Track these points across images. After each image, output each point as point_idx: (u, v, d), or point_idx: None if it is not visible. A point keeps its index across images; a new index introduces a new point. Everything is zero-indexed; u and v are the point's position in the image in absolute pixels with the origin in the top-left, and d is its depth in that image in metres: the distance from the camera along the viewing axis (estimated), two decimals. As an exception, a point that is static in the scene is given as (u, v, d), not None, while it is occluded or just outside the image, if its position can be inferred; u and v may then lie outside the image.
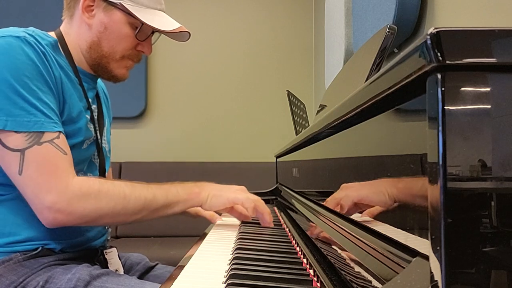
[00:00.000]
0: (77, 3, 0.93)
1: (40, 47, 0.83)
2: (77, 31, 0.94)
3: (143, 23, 0.92)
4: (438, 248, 0.25)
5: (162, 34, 0.99)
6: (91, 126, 0.94)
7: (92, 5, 0.92)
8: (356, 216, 0.47)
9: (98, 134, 0.97)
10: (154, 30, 0.96)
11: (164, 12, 0.98)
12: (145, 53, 0.98)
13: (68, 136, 0.86)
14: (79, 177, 0.82)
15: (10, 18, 2.59)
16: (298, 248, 0.75)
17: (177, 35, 0.99)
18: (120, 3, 0.90)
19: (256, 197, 0.97)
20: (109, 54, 0.94)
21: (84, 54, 0.95)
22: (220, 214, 1.10)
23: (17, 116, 0.77)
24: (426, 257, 0.27)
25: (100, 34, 0.92)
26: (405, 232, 0.33)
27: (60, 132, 0.81)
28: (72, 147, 0.87)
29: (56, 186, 0.78)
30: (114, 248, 1.00)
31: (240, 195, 0.94)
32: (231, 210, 0.99)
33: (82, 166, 0.94)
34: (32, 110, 0.78)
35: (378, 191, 0.40)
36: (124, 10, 0.91)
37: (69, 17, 0.95)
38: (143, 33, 0.95)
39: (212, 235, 0.92)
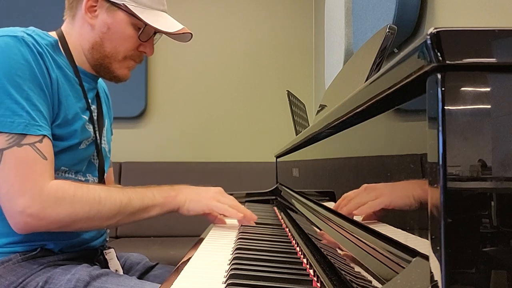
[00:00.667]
0: (79, 4, 0.93)
1: (38, 47, 0.82)
2: (79, 31, 0.94)
3: (146, 24, 0.92)
4: (438, 248, 0.25)
5: (163, 35, 0.99)
6: (90, 127, 0.94)
7: (95, 6, 0.91)
8: (356, 216, 0.47)
9: (98, 135, 0.97)
10: (156, 31, 0.96)
11: (166, 13, 0.98)
12: (147, 54, 0.98)
13: (63, 138, 0.86)
14: (56, 181, 0.80)
15: (11, 18, 2.59)
16: (298, 248, 0.75)
17: (179, 36, 0.99)
18: (123, 4, 0.90)
19: (232, 198, 0.97)
20: (112, 55, 0.94)
21: (86, 54, 0.95)
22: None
23: (1, 115, 0.76)
24: (426, 257, 0.27)
25: (103, 35, 0.92)
26: (405, 232, 0.33)
27: (44, 136, 0.80)
28: (68, 148, 0.87)
29: (30, 190, 0.76)
30: (112, 249, 1.00)
31: (219, 204, 0.94)
32: (208, 215, 0.98)
33: (81, 166, 0.93)
34: (18, 111, 0.77)
35: (378, 191, 0.40)
36: (127, 11, 0.91)
37: (71, 17, 0.95)
38: (146, 34, 0.95)
39: (212, 235, 0.92)
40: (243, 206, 0.98)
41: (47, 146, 0.80)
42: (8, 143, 0.76)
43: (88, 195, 0.80)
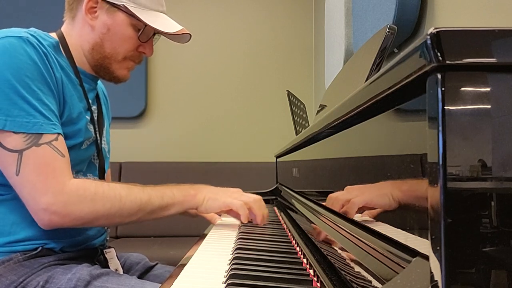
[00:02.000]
0: (79, 5, 0.93)
1: (42, 47, 0.83)
2: (79, 32, 0.94)
3: (146, 25, 0.92)
4: (438, 248, 0.25)
5: (162, 35, 1.00)
6: (90, 127, 0.94)
7: (95, 7, 0.92)
8: (356, 216, 0.47)
9: (98, 135, 0.97)
10: (156, 32, 0.96)
11: (165, 14, 0.98)
12: (147, 54, 0.98)
13: (67, 137, 0.86)
14: (76, 179, 0.82)
15: (11, 18, 2.59)
16: (298, 248, 0.75)
17: (178, 37, 1.00)
18: (123, 5, 0.91)
19: (253, 198, 0.97)
20: (112, 55, 0.94)
21: (86, 55, 0.95)
22: (219, 215, 1.10)
23: (16, 116, 0.77)
24: (426, 257, 0.27)
25: (103, 36, 0.93)
26: (405, 232, 0.33)
27: (58, 134, 0.81)
28: (71, 147, 0.87)
29: (53, 187, 0.78)
30: (112, 249, 1.00)
31: (235, 201, 0.94)
32: (228, 211, 0.99)
33: (82, 166, 0.94)
34: (31, 111, 0.78)
35: (378, 191, 0.40)
36: (127, 12, 0.91)
37: (70, 18, 0.95)
38: (146, 35, 0.95)
39: (212, 235, 0.92)
40: (261, 205, 0.98)
41: (62, 144, 0.82)
42: (26, 144, 0.77)
43: (109, 193, 0.82)
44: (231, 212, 0.98)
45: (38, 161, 0.78)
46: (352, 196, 0.50)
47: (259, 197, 0.99)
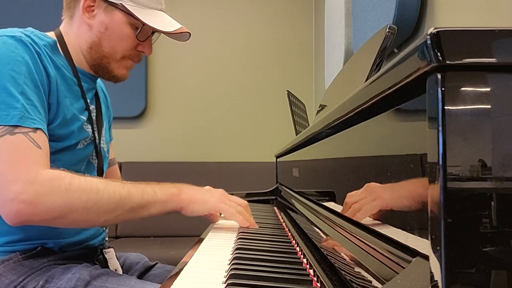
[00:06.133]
0: (77, 3, 0.93)
1: (36, 47, 0.82)
2: (77, 31, 0.94)
3: (144, 24, 0.92)
4: (438, 248, 0.25)
5: (162, 34, 0.99)
6: (88, 127, 0.94)
7: (93, 6, 0.92)
8: (356, 216, 0.47)
9: (96, 135, 0.97)
10: (154, 31, 0.96)
11: (164, 12, 0.98)
12: (146, 53, 0.98)
13: (60, 139, 0.86)
14: (51, 170, 0.76)
15: (11, 18, 2.59)
16: (298, 248, 0.75)
17: (177, 36, 0.99)
18: (121, 3, 0.91)
19: (238, 204, 0.94)
20: (110, 54, 0.94)
21: (84, 54, 0.95)
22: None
23: None
24: (426, 257, 0.27)
25: (101, 35, 0.92)
26: (405, 232, 0.33)
27: (38, 129, 0.78)
28: (65, 148, 0.87)
29: (23, 176, 0.72)
30: (112, 249, 1.00)
31: (223, 205, 0.91)
32: (209, 215, 0.96)
33: (80, 166, 0.93)
34: (13, 104, 0.76)
35: (378, 191, 0.40)
36: (124, 10, 0.91)
37: (69, 17, 0.95)
38: (144, 34, 0.95)
39: (212, 235, 0.92)
40: (245, 210, 0.96)
41: (41, 137, 0.78)
42: (0, 133, 0.74)
43: (85, 184, 0.77)
44: (211, 216, 0.95)
45: (10, 149, 0.74)
46: (352, 196, 0.50)
47: (245, 203, 0.96)
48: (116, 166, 1.20)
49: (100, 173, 1.00)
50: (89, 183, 0.77)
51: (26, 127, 0.76)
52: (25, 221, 0.74)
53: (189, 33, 0.99)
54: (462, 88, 0.26)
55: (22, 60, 0.79)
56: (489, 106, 0.26)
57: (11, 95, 0.76)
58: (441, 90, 0.26)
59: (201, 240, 0.87)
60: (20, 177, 0.72)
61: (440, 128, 0.25)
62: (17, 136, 0.75)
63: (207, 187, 0.97)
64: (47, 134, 0.81)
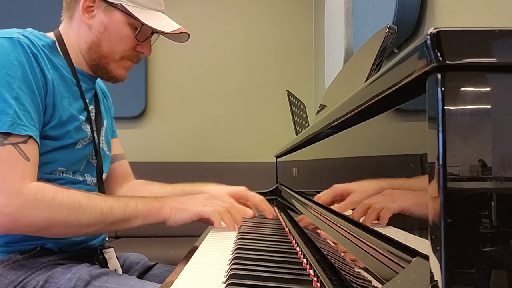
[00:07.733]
0: (77, 4, 0.93)
1: (33, 49, 0.82)
2: (77, 31, 0.94)
3: (143, 24, 0.92)
4: (438, 248, 0.25)
5: (161, 35, 1.00)
6: (87, 127, 0.94)
7: (93, 6, 0.92)
8: (356, 216, 0.47)
9: (95, 135, 0.97)
10: (153, 31, 0.96)
11: (163, 13, 0.98)
12: (145, 54, 0.98)
13: (57, 138, 0.86)
14: (35, 183, 0.77)
15: (11, 18, 2.59)
16: (298, 248, 0.75)
17: (176, 36, 1.00)
18: (120, 4, 0.91)
19: (226, 204, 0.93)
20: (109, 55, 0.94)
21: (84, 55, 0.95)
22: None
23: None
24: (426, 257, 0.27)
25: (100, 35, 0.92)
26: (405, 232, 0.33)
27: (30, 136, 0.78)
28: (63, 147, 0.87)
29: (8, 189, 0.74)
30: (112, 249, 1.00)
31: (206, 208, 0.90)
32: (201, 220, 0.95)
33: (79, 166, 0.93)
34: (6, 110, 0.76)
35: (378, 191, 0.40)
36: (124, 11, 0.91)
37: (68, 17, 0.95)
38: (143, 34, 0.95)
39: (212, 235, 0.92)
40: (237, 210, 0.95)
41: (31, 148, 0.78)
42: None
43: (68, 199, 0.78)
44: (204, 220, 0.95)
45: None
46: (352, 196, 0.50)
47: (232, 201, 0.96)
48: (126, 161, 1.20)
49: (99, 173, 1.00)
50: (71, 197, 0.79)
51: (17, 134, 0.76)
52: (8, 232, 0.77)
53: (188, 34, 0.99)
54: (462, 88, 0.26)
55: (17, 64, 0.79)
56: (489, 106, 0.26)
57: (5, 100, 0.76)
58: (441, 90, 0.26)
59: (201, 240, 0.87)
60: (5, 190, 0.74)
61: (440, 128, 0.25)
62: (6, 148, 0.75)
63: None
64: (38, 141, 0.81)
